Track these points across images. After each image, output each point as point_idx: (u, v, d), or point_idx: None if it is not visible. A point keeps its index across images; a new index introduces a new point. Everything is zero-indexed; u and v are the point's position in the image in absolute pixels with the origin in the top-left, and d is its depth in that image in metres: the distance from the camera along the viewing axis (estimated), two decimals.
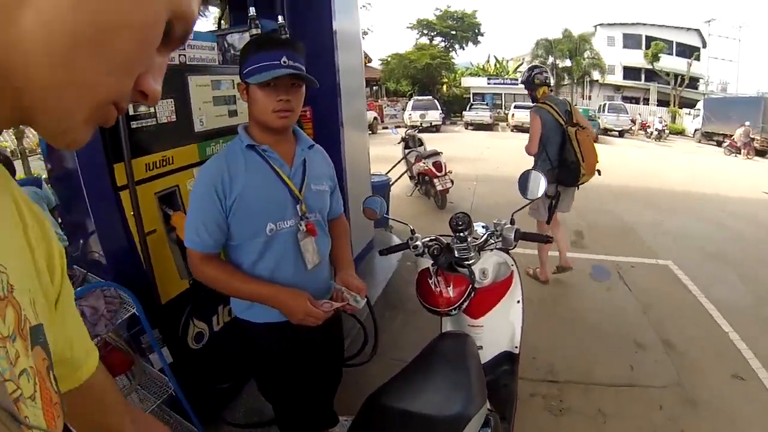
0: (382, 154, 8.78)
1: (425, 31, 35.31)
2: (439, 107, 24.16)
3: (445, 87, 34.83)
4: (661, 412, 2.80)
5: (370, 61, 32.49)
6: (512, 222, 1.97)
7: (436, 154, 7.33)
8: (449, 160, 7.36)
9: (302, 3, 3.53)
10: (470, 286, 1.82)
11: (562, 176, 4.04)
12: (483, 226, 2.08)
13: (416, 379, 1.46)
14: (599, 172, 4.22)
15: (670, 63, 31.92)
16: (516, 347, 2.08)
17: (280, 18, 2.74)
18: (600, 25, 35.29)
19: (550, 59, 32.17)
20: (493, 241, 1.96)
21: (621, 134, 22.63)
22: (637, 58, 32.98)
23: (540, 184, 2.11)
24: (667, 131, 22.41)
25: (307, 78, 1.46)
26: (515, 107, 24.84)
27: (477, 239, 1.95)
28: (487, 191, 8.72)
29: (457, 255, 1.90)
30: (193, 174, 2.15)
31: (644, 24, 34.64)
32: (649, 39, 32.79)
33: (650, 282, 4.68)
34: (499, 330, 2.03)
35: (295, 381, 1.77)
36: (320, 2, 3.56)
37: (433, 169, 7.01)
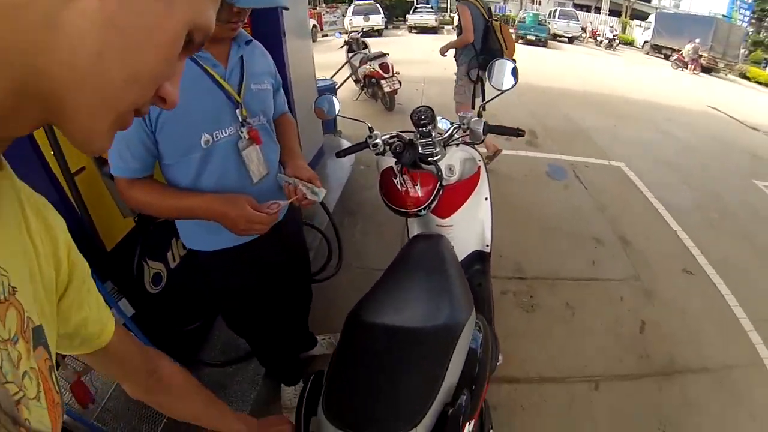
0: (325, 62, 7.96)
1: None
2: (381, 11, 22.66)
3: None
4: (622, 303, 2.84)
5: None
6: (479, 115, 1.78)
7: (383, 55, 6.86)
8: (397, 63, 6.91)
9: None
10: (438, 183, 1.68)
11: (486, 62, 3.86)
12: (446, 121, 1.90)
13: (397, 289, 1.32)
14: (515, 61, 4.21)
15: None
16: (487, 246, 1.97)
17: None
18: None
19: None
20: (458, 136, 1.81)
21: (571, 41, 22.27)
22: None
23: (506, 72, 1.87)
24: (617, 41, 22.32)
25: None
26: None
27: (441, 134, 1.79)
28: (436, 92, 8.29)
29: (421, 151, 1.73)
30: None
31: None
32: None
33: (604, 182, 4.66)
34: (469, 229, 1.91)
35: (263, 310, 1.63)
36: None
37: (380, 71, 6.62)
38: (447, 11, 29.53)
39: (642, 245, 3.51)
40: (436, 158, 1.74)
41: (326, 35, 20.91)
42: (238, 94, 1.33)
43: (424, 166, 1.74)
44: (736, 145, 7.19)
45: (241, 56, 1.37)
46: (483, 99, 4.41)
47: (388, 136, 1.78)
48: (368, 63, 6.77)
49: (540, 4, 32.13)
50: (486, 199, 1.95)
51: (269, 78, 1.49)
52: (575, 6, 30.51)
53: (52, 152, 1.45)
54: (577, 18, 23.23)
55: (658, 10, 26.91)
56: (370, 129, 1.83)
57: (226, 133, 1.31)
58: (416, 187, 1.67)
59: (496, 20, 4.32)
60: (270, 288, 1.62)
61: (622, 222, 3.83)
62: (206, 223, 1.32)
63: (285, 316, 1.75)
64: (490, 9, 4.41)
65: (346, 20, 22.39)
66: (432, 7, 27.47)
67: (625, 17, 29.20)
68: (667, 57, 19.89)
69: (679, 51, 18.02)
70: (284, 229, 1.50)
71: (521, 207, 3.95)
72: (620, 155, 5.49)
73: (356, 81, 7.53)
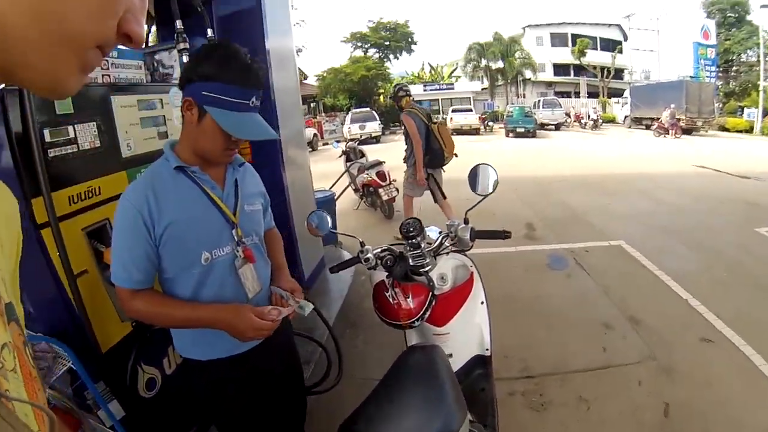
0: (325, 170, 8.64)
1: (359, 44, 35.25)
2: (378, 118, 24.10)
3: (381, 98, 34.87)
4: (641, 387, 2.81)
5: (305, 78, 32.13)
6: (466, 221, 1.88)
7: (379, 163, 7.18)
8: (394, 170, 7.31)
9: (232, 20, 3.39)
10: (430, 293, 1.73)
11: (431, 160, 5.29)
12: (435, 229, 1.99)
13: (388, 400, 1.37)
14: (456, 155, 5.50)
15: (596, 57, 34.13)
16: (487, 349, 2.00)
17: (210, 31, 2.59)
18: (528, 26, 37.19)
19: (483, 62, 33.33)
20: (447, 244, 1.88)
21: (557, 127, 23.65)
22: (565, 55, 35.01)
23: (490, 177, 2.07)
24: (600, 120, 23.59)
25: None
26: (453, 111, 25.43)
27: (431, 244, 1.85)
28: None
29: (412, 263, 1.79)
30: None
31: (569, 23, 36.71)
32: (575, 36, 34.88)
33: (606, 263, 4.78)
34: (466, 335, 1.95)
35: (258, 419, 1.62)
36: (251, 20, 3.40)
37: (377, 179, 6.89)
38: (440, 112, 31.17)
39: (653, 322, 3.54)
40: (426, 269, 1.78)
41: (326, 143, 21.69)
42: (234, 215, 1.42)
43: (415, 277, 1.79)
44: (730, 197, 7.45)
45: (236, 179, 1.48)
46: (438, 191, 5.50)
47: (379, 249, 1.82)
48: (365, 172, 7.05)
49: (525, 96, 34.31)
50: (482, 302, 1.99)
51: (260, 198, 1.59)
52: (556, 94, 32.72)
53: (57, 253, 1.60)
54: (560, 105, 24.88)
55: (631, 85, 28.73)
56: (362, 243, 1.87)
57: (223, 252, 1.39)
58: (408, 299, 1.69)
59: (434, 123, 5.33)
60: (264, 398, 1.61)
61: (629, 301, 3.89)
62: (201, 332, 1.40)
63: (279, 426, 1.74)
64: (429, 115, 5.42)
65: (345, 128, 23.38)
66: None
67: (603, 97, 31.28)
68: (648, 127, 21.01)
69: (658, 119, 19.01)
70: (276, 340, 1.50)
71: (524, 303, 4.04)
72: (618, 233, 5.67)
73: (355, 190, 7.74)
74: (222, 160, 1.41)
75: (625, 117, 25.14)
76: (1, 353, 0.40)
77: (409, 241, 1.80)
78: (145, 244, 1.29)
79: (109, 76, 2.12)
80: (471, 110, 25.57)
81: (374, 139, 22.73)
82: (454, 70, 38.01)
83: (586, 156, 13.50)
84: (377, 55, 35.23)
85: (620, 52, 34.56)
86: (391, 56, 35.59)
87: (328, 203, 5.49)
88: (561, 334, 3.48)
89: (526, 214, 6.90)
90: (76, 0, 0.36)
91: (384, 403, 1.35)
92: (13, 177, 1.52)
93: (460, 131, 23.53)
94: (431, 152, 5.24)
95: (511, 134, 21.37)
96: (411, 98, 5.60)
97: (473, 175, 2.10)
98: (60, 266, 1.63)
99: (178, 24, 2.40)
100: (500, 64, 33.28)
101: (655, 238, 5.45)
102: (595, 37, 35.57)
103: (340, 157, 8.46)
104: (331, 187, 6.29)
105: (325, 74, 33.90)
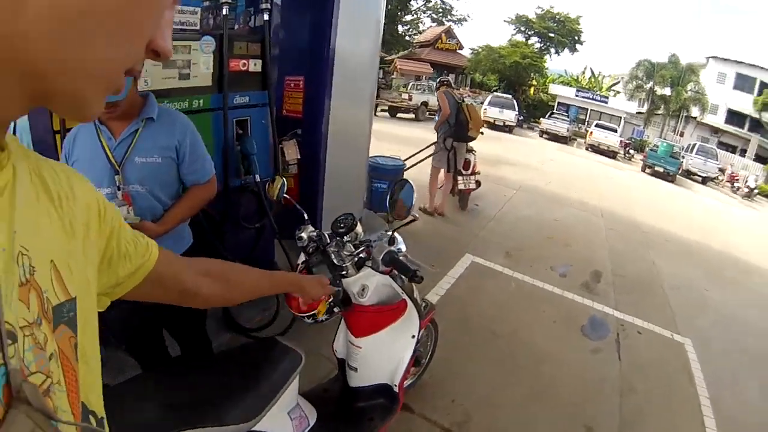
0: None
1: (522, 28, 33.68)
2: (517, 108, 23.00)
3: (532, 90, 33.24)
4: None
5: (460, 48, 31.38)
6: (392, 241, 1.70)
7: (469, 151, 6.67)
8: (505, 163, 6.80)
9: None
10: (330, 297, 1.60)
11: (457, 132, 5.97)
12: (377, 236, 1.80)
13: (189, 373, 1.45)
14: (482, 133, 6.61)
15: None
16: (395, 385, 1.91)
17: None
18: (713, 57, 31.51)
19: (649, 84, 29.68)
20: (363, 256, 1.70)
21: (704, 181, 20.37)
22: (745, 103, 29.04)
23: (412, 195, 1.98)
24: (757, 191, 20.05)
25: None
26: (595, 126, 23.17)
27: (354, 250, 1.69)
28: (522, 202, 7.96)
29: (335, 261, 1.65)
30: None
31: (763, 68, 30.62)
32: (765, 85, 28.98)
33: (650, 358, 3.89)
34: (379, 358, 1.86)
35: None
36: None
37: (460, 167, 6.42)
38: (585, 123, 29.08)
39: None
40: (344, 272, 1.65)
41: None
42: (119, 164, 1.65)
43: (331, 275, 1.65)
44: None
45: (135, 131, 1.68)
46: (455, 165, 6.15)
47: (316, 232, 1.73)
48: None
49: (682, 135, 30.34)
50: (413, 337, 1.89)
51: (165, 152, 1.74)
52: (719, 144, 28.37)
53: None
54: (717, 158, 21.35)
55: None
56: (306, 219, 1.77)
57: (104, 192, 1.60)
58: None
59: (464, 102, 6.13)
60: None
61: (638, 419, 3.09)
62: None
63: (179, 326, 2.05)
64: (461, 96, 6.62)
65: (482, 109, 22.59)
66: (568, 116, 27.30)
67: None
68: None
69: None
70: None
71: (524, 357, 3.43)
72: (693, 329, 4.58)
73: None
74: (104, 119, 1.66)
75: None
76: (49, 365, 0.40)
77: (336, 238, 1.69)
78: None
79: None
80: (615, 130, 23.06)
81: (507, 128, 22.02)
82: (616, 83, 34.65)
83: (718, 225, 11.39)
84: (538, 45, 33.29)
85: None
86: (552, 50, 33.52)
87: (391, 172, 5.32)
88: (537, 417, 2.87)
89: (602, 260, 5.95)
90: (111, 27, 0.36)
91: (182, 374, 1.41)
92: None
93: (596, 149, 21.83)
94: (458, 123, 5.91)
95: (647, 170, 19.02)
96: (448, 87, 6.37)
97: (392, 194, 1.94)
98: None
99: None
100: (667, 92, 29.19)
101: (735, 358, 4.30)
102: None
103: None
104: (407, 159, 5.90)
105: (480, 49, 33.16)
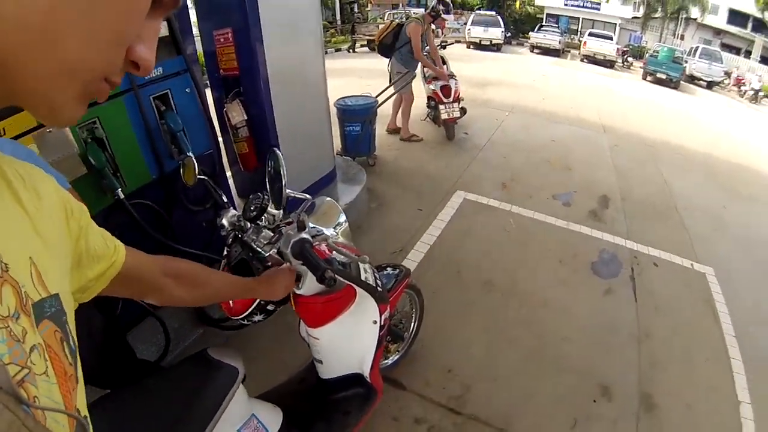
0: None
1: None
2: (503, 25, 21.69)
3: (518, 4, 31.28)
4: None
5: None
6: (301, 226, 1.27)
7: (450, 76, 6.04)
8: (495, 84, 6.06)
9: None
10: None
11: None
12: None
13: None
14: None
15: None
16: (366, 373, 1.77)
17: None
18: None
19: None
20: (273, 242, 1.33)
21: (709, 86, 19.21)
22: (747, 1, 27.34)
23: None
24: (762, 93, 19.02)
25: None
26: (589, 35, 21.85)
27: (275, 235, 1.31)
28: (516, 126, 7.27)
29: (257, 249, 1.30)
30: None
31: None
32: None
33: (671, 294, 3.44)
34: (341, 347, 1.68)
35: None
36: None
37: (440, 94, 5.84)
38: (578, 33, 27.60)
39: (673, 416, 2.37)
40: (266, 264, 1.32)
41: (445, 41, 19.88)
42: None
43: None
44: None
45: None
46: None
47: (236, 216, 1.37)
48: (432, 82, 6.01)
49: (683, 39, 28.82)
50: (374, 322, 1.66)
51: None
52: (722, 46, 26.90)
53: None
54: (722, 60, 20.13)
55: None
56: (226, 204, 1.44)
57: None
58: None
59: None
60: None
61: (659, 369, 2.67)
62: None
63: None
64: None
65: (466, 29, 22.01)
66: (559, 28, 25.92)
67: None
68: None
69: None
70: None
71: (526, 313, 2.97)
72: (713, 256, 4.07)
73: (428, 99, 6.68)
74: None
75: None
76: (30, 357, 0.40)
77: (252, 224, 1.35)
78: None
79: None
80: (611, 38, 21.80)
81: (495, 47, 20.82)
82: None
83: (726, 132, 10.64)
84: None
85: None
86: None
87: (365, 112, 4.75)
88: (535, 374, 2.49)
89: (609, 183, 5.38)
90: (79, 29, 0.35)
91: (106, 410, 1.15)
92: None
93: (592, 60, 20.62)
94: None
95: (648, 78, 17.96)
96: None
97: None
98: None
99: None
100: None
101: (761, 291, 3.75)
102: None
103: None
104: (378, 95, 5.22)
105: None
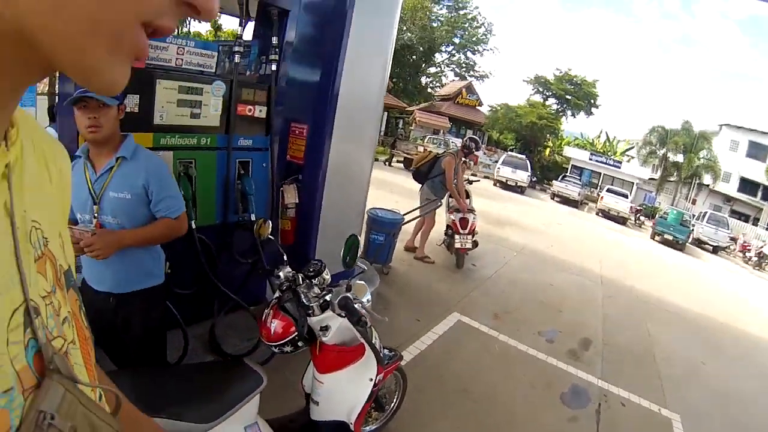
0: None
1: (540, 89, 34.74)
2: (530, 169, 23.37)
3: (547, 151, 33.70)
4: None
5: (480, 104, 32.27)
6: (348, 288, 1.93)
7: (470, 210, 6.82)
8: (511, 224, 6.81)
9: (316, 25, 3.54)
10: (294, 332, 1.83)
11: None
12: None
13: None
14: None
15: None
16: (352, 423, 2.06)
17: (274, 39, 3.09)
18: (726, 125, 31.89)
19: (662, 150, 29.91)
20: (329, 299, 1.92)
21: (715, 251, 20.06)
22: (758, 171, 29.31)
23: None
24: (767, 261, 19.60)
25: (104, 100, 1.81)
26: (607, 191, 23.34)
27: (321, 293, 1.94)
28: (520, 266, 7.95)
29: (303, 301, 1.86)
30: None
31: None
32: None
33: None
34: (339, 395, 2.04)
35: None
36: (332, 29, 3.44)
37: (458, 225, 6.58)
38: (597, 188, 29.14)
39: None
40: (309, 311, 1.84)
41: (474, 175, 20.30)
42: (97, 196, 1.91)
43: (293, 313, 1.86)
44: None
45: (112, 167, 1.92)
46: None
47: (292, 273, 1.95)
48: (453, 213, 6.76)
49: (694, 203, 30.20)
50: (370, 380, 2.06)
51: (137, 189, 1.95)
52: (732, 213, 28.14)
53: None
54: (728, 226, 21.11)
55: None
56: (285, 260, 2.03)
57: (85, 217, 1.93)
58: (272, 324, 1.85)
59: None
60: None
61: None
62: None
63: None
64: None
65: (496, 168, 23.31)
66: (580, 179, 27.45)
67: None
68: None
69: None
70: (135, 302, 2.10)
71: (494, 421, 3.37)
72: (684, 404, 4.42)
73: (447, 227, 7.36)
74: (88, 137, 1.88)
75: None
76: (63, 328, 0.43)
77: (306, 280, 1.91)
78: None
79: (181, 59, 2.75)
80: (627, 196, 23.15)
81: (519, 189, 22.37)
82: (630, 148, 35.09)
83: (724, 295, 11.19)
84: (555, 106, 34.11)
85: None
86: (569, 112, 34.31)
87: (389, 225, 5.49)
88: None
89: (594, 328, 5.87)
90: None
91: (151, 375, 1.68)
92: None
93: (606, 214, 21.85)
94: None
95: (656, 237, 18.84)
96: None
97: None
98: None
99: (240, 30, 3.12)
100: (680, 158, 29.41)
101: None
102: None
103: None
104: (406, 213, 6.06)
105: (498, 107, 34.10)
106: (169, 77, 2.65)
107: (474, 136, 6.69)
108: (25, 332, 0.38)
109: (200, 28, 24.95)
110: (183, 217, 2.12)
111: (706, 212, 22.22)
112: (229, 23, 24.68)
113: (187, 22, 18.83)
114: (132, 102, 2.47)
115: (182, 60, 2.74)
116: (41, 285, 0.41)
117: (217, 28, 24.32)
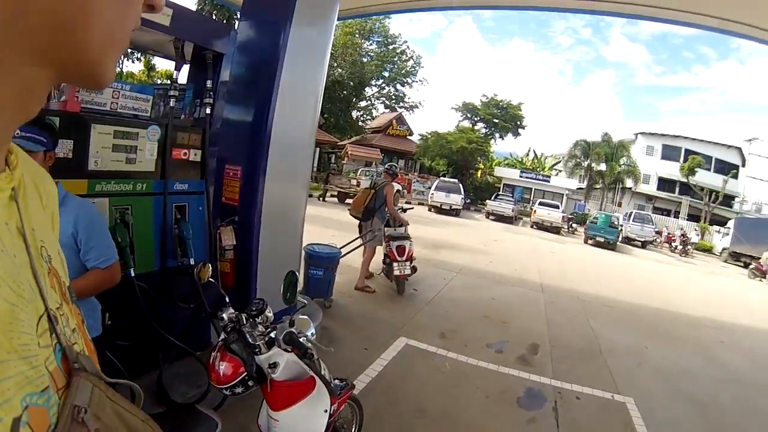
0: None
1: (468, 115, 36.23)
2: (463, 192, 24.00)
3: (479, 173, 34.88)
4: None
5: (411, 134, 33.13)
6: (291, 324, 1.97)
7: (405, 238, 6.90)
8: (448, 247, 6.91)
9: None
10: (243, 372, 1.81)
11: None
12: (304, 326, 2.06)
13: None
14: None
15: (706, 178, 31.27)
16: None
17: (208, 82, 3.11)
18: (641, 133, 35.30)
19: (586, 161, 31.88)
20: (273, 336, 1.92)
21: (644, 245, 21.54)
22: (673, 170, 32.42)
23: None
24: (691, 247, 21.18)
25: (28, 146, 1.69)
26: (539, 204, 24.49)
27: (266, 330, 1.91)
28: (461, 285, 8.01)
29: (249, 340, 1.84)
30: None
31: (686, 137, 34.43)
32: (689, 153, 32.38)
33: (592, 423, 3.81)
34: (296, 430, 2.01)
35: None
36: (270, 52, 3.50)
37: (395, 253, 6.60)
38: (529, 203, 30.37)
39: None
40: (256, 350, 1.82)
41: (409, 203, 20.74)
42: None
43: (240, 353, 1.83)
44: None
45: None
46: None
47: (235, 314, 1.91)
48: (390, 242, 6.78)
49: (620, 205, 32.25)
50: (325, 411, 2.03)
51: (66, 239, 1.80)
52: (655, 209, 30.30)
53: None
54: (652, 222, 22.83)
55: (738, 215, 26.14)
56: (227, 301, 2.00)
57: None
58: (221, 366, 1.81)
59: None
60: None
61: None
62: None
63: None
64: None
65: (429, 193, 23.86)
66: (512, 197, 28.54)
67: (704, 222, 28.22)
68: (746, 265, 18.55)
69: (758, 259, 16.58)
70: None
71: None
72: (634, 388, 4.54)
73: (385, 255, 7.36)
74: None
75: (723, 249, 22.68)
76: (74, 337, 0.46)
77: (249, 319, 1.89)
78: None
79: (116, 103, 2.70)
80: (558, 207, 24.46)
81: (454, 212, 22.85)
82: (557, 163, 37.11)
83: (657, 284, 11.82)
84: (484, 130, 35.59)
85: (734, 177, 31.58)
86: (497, 134, 35.86)
87: (326, 259, 5.45)
88: None
89: (540, 333, 5.95)
90: None
91: None
92: None
93: (540, 226, 22.85)
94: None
95: (589, 241, 19.92)
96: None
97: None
98: None
99: (175, 73, 3.06)
100: (603, 167, 31.62)
101: (678, 409, 4.26)
102: (711, 157, 32.89)
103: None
104: (342, 246, 6.05)
105: (428, 135, 34.97)
106: (104, 122, 2.58)
107: (392, 163, 7.26)
108: (51, 336, 0.41)
109: (133, 68, 24.71)
110: (114, 267, 2.01)
111: (631, 212, 23.93)
112: (163, 63, 24.40)
113: (120, 62, 18.38)
114: (65, 148, 2.36)
115: (117, 104, 2.69)
116: (53, 297, 0.44)
117: (150, 68, 23.95)
